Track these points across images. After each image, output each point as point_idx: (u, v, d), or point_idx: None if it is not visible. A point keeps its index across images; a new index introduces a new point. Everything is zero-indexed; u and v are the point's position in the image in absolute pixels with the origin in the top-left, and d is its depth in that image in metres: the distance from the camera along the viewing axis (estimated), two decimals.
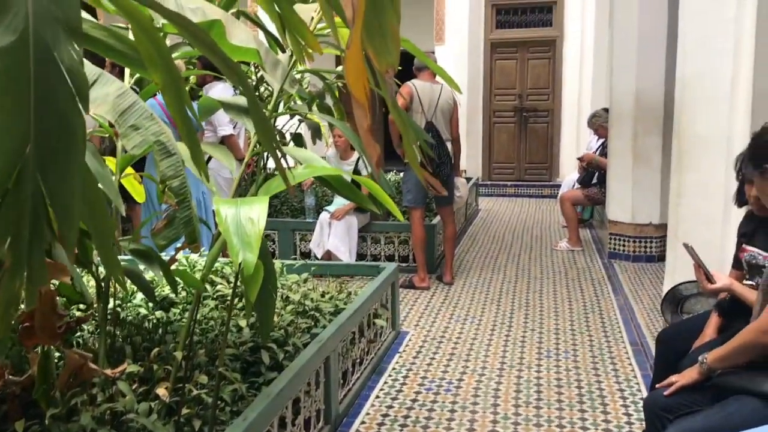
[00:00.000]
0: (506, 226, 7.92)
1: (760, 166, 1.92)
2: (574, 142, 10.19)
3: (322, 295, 3.72)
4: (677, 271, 2.93)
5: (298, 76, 7.60)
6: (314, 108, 4.01)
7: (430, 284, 5.23)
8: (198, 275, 3.62)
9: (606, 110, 7.15)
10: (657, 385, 2.09)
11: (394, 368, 3.66)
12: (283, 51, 2.67)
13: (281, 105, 3.17)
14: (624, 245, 5.97)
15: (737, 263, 2.43)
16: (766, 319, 1.80)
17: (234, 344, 2.88)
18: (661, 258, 5.88)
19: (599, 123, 7.04)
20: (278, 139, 7.43)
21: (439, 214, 5.55)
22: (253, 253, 1.86)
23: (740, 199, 2.38)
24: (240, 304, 3.24)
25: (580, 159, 7.06)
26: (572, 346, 3.92)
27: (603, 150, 6.95)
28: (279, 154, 1.60)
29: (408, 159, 1.13)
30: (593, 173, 6.86)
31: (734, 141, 2.67)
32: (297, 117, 6.98)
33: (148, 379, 2.37)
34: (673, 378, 2.03)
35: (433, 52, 8.68)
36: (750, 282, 2.21)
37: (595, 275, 5.56)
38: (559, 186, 9.54)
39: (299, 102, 7.38)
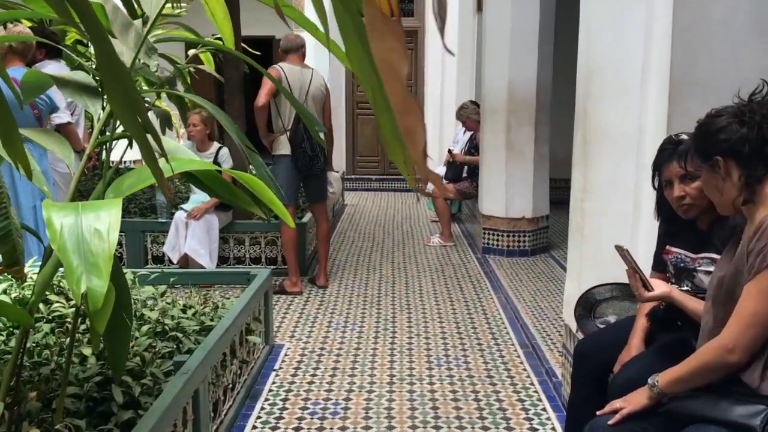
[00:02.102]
0: (375, 222, 7.63)
1: (709, 158, 1.69)
2: (438, 135, 10.12)
3: (184, 310, 3.18)
4: (584, 273, 2.72)
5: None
6: (192, 101, 3.45)
7: (303, 288, 4.80)
8: (28, 292, 2.97)
9: (474, 102, 7.06)
10: (599, 413, 1.82)
11: (270, 390, 3.20)
12: (137, 17, 2.12)
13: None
14: (498, 240, 5.86)
15: (659, 264, 2.23)
16: (730, 335, 1.56)
17: (76, 380, 2.32)
18: (535, 252, 5.84)
19: (467, 115, 6.91)
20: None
21: (311, 211, 5.12)
22: (101, 278, 1.37)
23: (662, 211, 2.17)
24: (84, 326, 2.66)
25: (451, 153, 6.86)
26: (462, 352, 3.66)
27: (472, 143, 6.84)
28: (149, 139, 1.13)
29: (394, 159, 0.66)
30: (462, 167, 6.72)
31: (646, 133, 2.48)
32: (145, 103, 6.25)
33: None
34: (616, 404, 1.76)
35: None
36: (683, 288, 2.00)
37: (471, 272, 5.38)
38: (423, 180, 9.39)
39: (145, 86, 6.60)
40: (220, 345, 2.72)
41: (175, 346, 2.76)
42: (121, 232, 5.26)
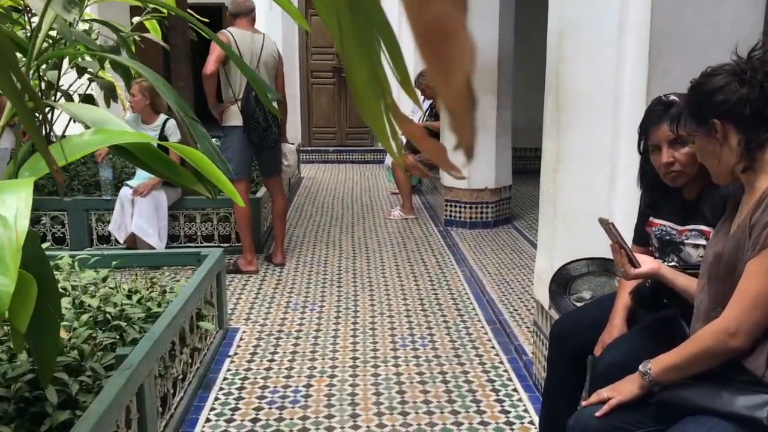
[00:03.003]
0: (333, 195, 7.40)
1: (705, 121, 1.52)
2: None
3: (129, 296, 2.94)
4: (557, 247, 2.56)
5: (85, 26, 6.41)
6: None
7: (259, 267, 4.57)
8: None
9: None
10: (584, 403, 1.67)
11: (225, 378, 2.99)
12: None
13: (69, 57, 2.35)
14: (460, 212, 5.71)
15: (641, 238, 2.08)
16: (731, 318, 1.41)
17: (4, 379, 2.09)
18: (498, 224, 5.71)
19: (425, 83, 6.68)
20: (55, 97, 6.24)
21: (266, 186, 4.86)
22: (7, 275, 1.13)
23: (646, 179, 2.01)
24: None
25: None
26: (427, 331, 3.50)
27: (432, 111, 6.65)
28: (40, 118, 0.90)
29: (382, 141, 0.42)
30: None
31: (623, 96, 2.31)
32: (87, 75, 5.88)
33: None
34: (604, 393, 1.61)
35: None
36: (670, 263, 1.85)
37: (434, 245, 5.22)
38: (382, 151, 9.20)
39: (89, 58, 6.21)
40: (168, 334, 2.50)
41: (118, 337, 2.53)
42: (62, 211, 4.96)
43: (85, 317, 2.59)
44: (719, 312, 1.47)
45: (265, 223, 5.23)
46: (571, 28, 2.47)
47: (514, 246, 5.13)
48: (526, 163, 8.49)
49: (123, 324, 2.60)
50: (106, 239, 4.96)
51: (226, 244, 4.98)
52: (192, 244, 4.98)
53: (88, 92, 6.10)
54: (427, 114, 6.68)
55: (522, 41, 5.81)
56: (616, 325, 1.98)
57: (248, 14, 4.44)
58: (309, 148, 10.03)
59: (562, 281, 2.36)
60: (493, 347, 3.29)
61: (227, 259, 4.70)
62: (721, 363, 1.44)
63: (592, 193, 2.46)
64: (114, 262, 3.10)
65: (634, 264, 1.73)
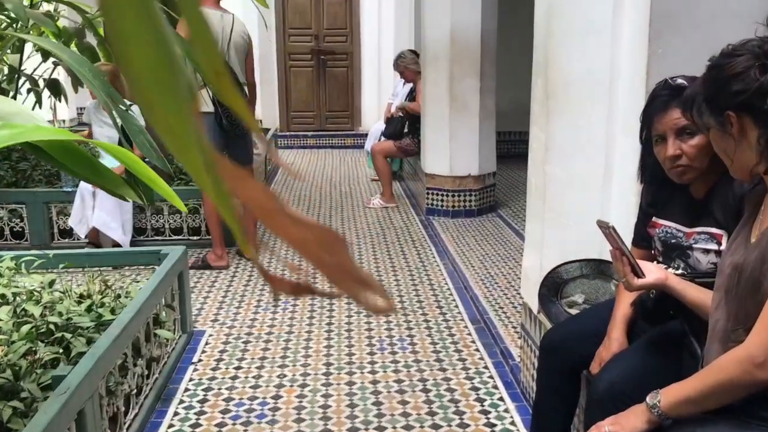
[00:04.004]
0: (312, 183, 7.13)
1: (720, 113, 1.29)
2: (376, 88, 9.61)
3: (80, 301, 2.69)
4: (546, 245, 2.34)
5: (49, 7, 5.99)
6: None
7: (230, 262, 4.31)
8: None
9: (413, 51, 6.56)
10: None
11: (187, 389, 2.75)
12: None
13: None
14: (442, 200, 5.47)
15: (642, 239, 1.86)
16: (758, 346, 1.19)
17: None
18: (481, 212, 5.49)
19: (405, 65, 6.41)
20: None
21: None
22: None
23: (648, 173, 1.78)
24: None
25: (401, 110, 6.28)
26: (407, 331, 3.27)
27: (411, 95, 6.38)
28: None
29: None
30: (403, 123, 6.24)
31: (618, 79, 2.08)
32: (52, 60, 5.56)
33: None
34: (605, 427, 1.38)
35: None
36: (677, 271, 1.63)
37: (415, 236, 4.99)
38: (362, 135, 8.94)
39: (53, 40, 5.84)
40: (117, 348, 2.25)
41: (62, 351, 2.28)
42: (21, 203, 4.66)
43: (25, 329, 2.33)
44: (741, 334, 1.25)
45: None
46: (561, 5, 2.23)
47: (498, 236, 4.91)
48: (510, 148, 8.26)
49: (68, 336, 2.35)
50: (68, 233, 4.67)
51: (195, 237, 4.72)
52: (159, 238, 4.71)
53: (53, 77, 5.80)
54: (408, 98, 6.41)
55: (505, 18, 5.55)
56: (615, 339, 1.76)
57: None
58: (287, 134, 9.73)
59: (553, 285, 2.13)
60: (477, 350, 3.07)
61: (197, 253, 4.44)
62: (744, 396, 1.22)
63: (584, 187, 2.23)
64: (61, 265, 2.83)
65: (638, 273, 1.51)
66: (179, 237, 4.70)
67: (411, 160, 6.68)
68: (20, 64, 6.02)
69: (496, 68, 5.43)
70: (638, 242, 1.87)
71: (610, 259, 2.15)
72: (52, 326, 2.38)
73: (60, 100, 5.70)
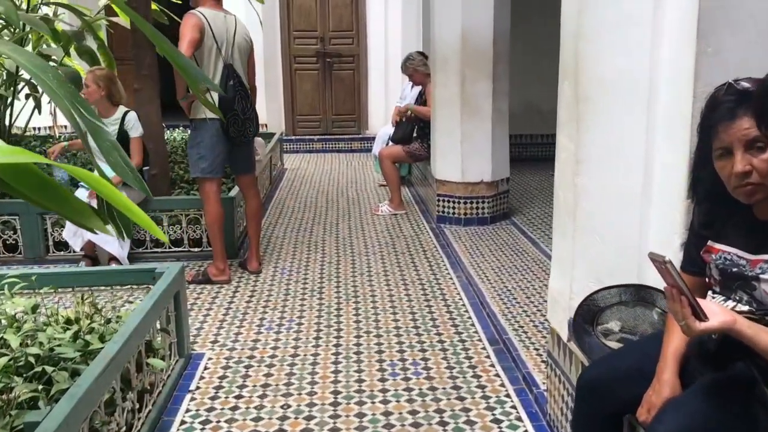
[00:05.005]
0: (318, 189, 6.91)
1: None
2: (383, 91, 9.39)
3: (66, 328, 2.47)
4: (577, 268, 2.11)
5: (48, 10, 5.77)
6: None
7: (232, 276, 4.09)
8: None
9: (421, 53, 6.33)
10: None
11: (183, 422, 2.53)
12: None
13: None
14: (454, 207, 5.24)
15: (693, 265, 1.62)
16: None
17: None
18: (495, 219, 5.26)
19: (414, 67, 6.18)
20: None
21: (239, 185, 4.37)
22: None
23: (702, 188, 1.54)
24: None
25: (405, 114, 6.06)
26: (420, 354, 3.04)
27: (420, 98, 6.16)
28: None
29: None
30: (412, 126, 6.02)
31: (659, 82, 1.85)
32: (51, 63, 5.36)
33: None
34: None
35: None
36: (741, 308, 1.40)
37: (426, 245, 4.76)
38: (369, 139, 8.72)
39: (53, 45, 5.60)
40: (102, 383, 2.02)
41: (41, 387, 2.06)
42: (14, 215, 4.45)
43: (2, 362, 2.12)
44: None
45: (239, 225, 4.75)
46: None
47: (514, 246, 4.67)
48: (521, 151, 8.04)
49: (49, 369, 2.13)
50: (64, 245, 4.47)
51: (196, 249, 4.51)
52: (159, 250, 4.50)
53: None
54: (417, 102, 6.19)
55: (518, 21, 5.32)
56: (666, 381, 1.53)
57: None
58: (293, 138, 9.52)
59: (588, 313, 1.90)
60: (497, 375, 2.84)
61: (198, 266, 4.23)
62: None
63: (620, 203, 1.99)
64: (45, 288, 2.61)
65: (699, 316, 1.27)
66: (179, 249, 4.50)
67: (420, 165, 6.45)
68: (18, 69, 5.83)
69: (509, 69, 5.20)
70: (688, 267, 1.63)
71: (650, 285, 1.93)
72: (32, 358, 2.17)
73: None
